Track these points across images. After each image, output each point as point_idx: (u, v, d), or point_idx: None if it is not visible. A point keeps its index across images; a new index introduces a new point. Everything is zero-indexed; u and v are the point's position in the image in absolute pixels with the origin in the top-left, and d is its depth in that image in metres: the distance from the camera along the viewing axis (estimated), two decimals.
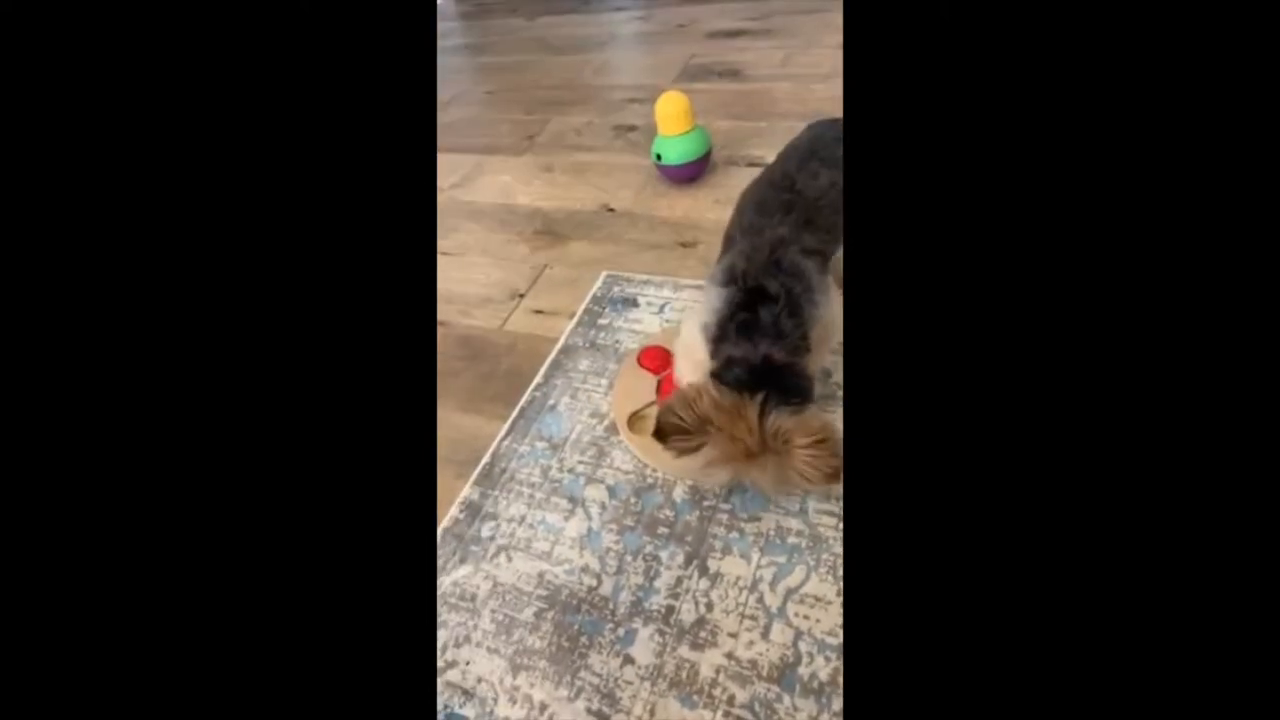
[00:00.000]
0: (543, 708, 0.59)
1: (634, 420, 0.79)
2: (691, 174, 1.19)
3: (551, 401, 0.86)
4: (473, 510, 0.76)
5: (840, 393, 0.78)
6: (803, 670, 0.58)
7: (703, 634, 0.61)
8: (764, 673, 0.58)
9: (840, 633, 0.59)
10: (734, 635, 0.61)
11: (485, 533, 0.73)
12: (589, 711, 0.59)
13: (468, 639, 0.65)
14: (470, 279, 1.11)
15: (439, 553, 0.72)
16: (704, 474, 0.64)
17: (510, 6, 2.26)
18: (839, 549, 0.65)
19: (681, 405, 0.59)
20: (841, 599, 0.61)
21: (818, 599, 0.62)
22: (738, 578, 0.65)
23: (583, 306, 0.98)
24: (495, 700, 0.61)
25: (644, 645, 0.62)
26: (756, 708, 0.56)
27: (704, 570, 0.66)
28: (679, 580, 0.66)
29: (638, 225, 1.14)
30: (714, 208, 1.13)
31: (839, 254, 0.73)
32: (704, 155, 1.17)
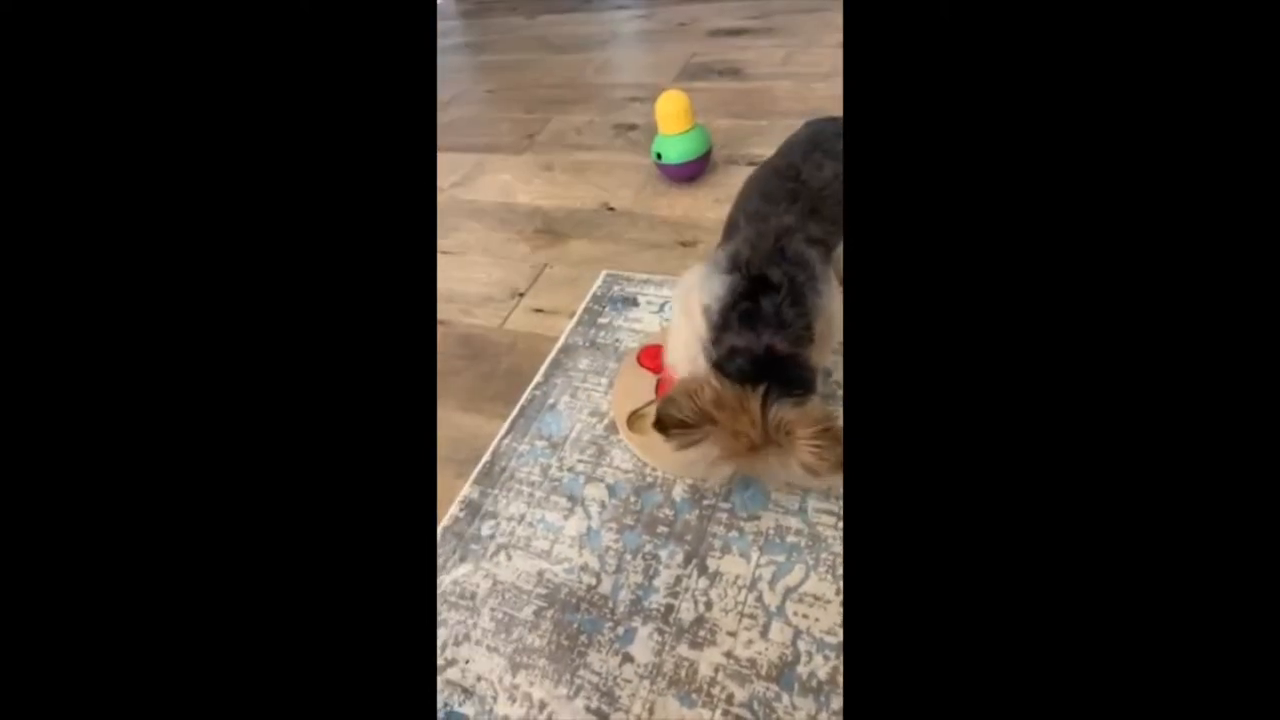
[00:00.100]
0: (542, 706, 0.60)
1: (634, 419, 0.79)
2: (692, 173, 1.19)
3: (551, 400, 0.86)
4: (472, 509, 0.76)
5: (840, 391, 0.78)
6: (801, 669, 0.58)
7: (702, 633, 0.61)
8: (763, 671, 0.58)
9: (839, 631, 0.59)
10: (733, 634, 0.61)
11: (485, 531, 0.73)
12: (588, 710, 0.59)
13: (467, 637, 0.65)
14: (470, 278, 1.11)
15: (439, 551, 0.72)
16: (706, 471, 0.64)
17: (511, 5, 2.26)
18: (838, 548, 0.65)
19: (683, 397, 0.59)
20: (840, 598, 0.61)
21: (817, 598, 0.62)
22: (737, 576, 0.65)
23: (583, 305, 0.98)
24: (495, 698, 0.61)
25: (643, 644, 0.62)
26: (755, 706, 0.56)
27: (703, 569, 0.66)
28: (678, 579, 0.66)
29: (638, 224, 1.14)
30: (714, 207, 1.13)
31: (839, 251, 0.73)
32: (704, 154, 1.17)
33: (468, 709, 0.60)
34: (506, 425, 0.84)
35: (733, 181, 1.15)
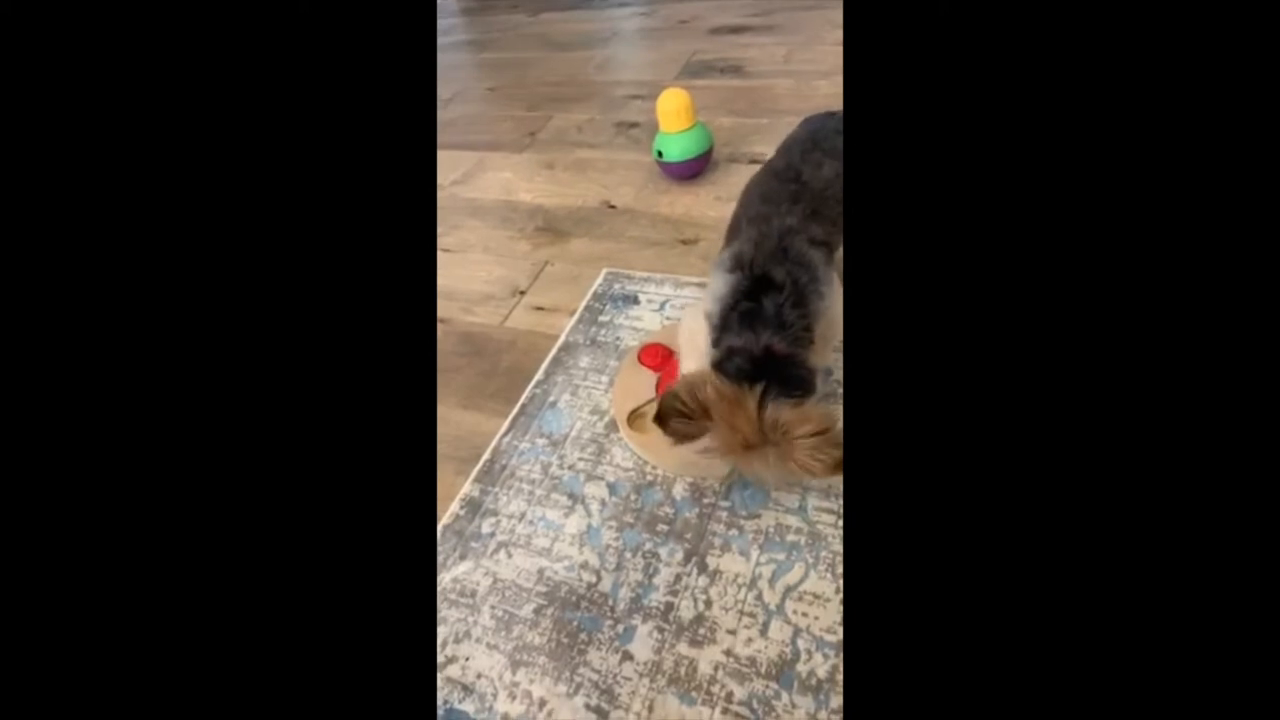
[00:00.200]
0: (542, 703, 0.60)
1: (634, 417, 0.79)
2: (693, 171, 1.19)
3: (552, 398, 0.86)
4: (473, 507, 0.76)
5: (840, 390, 0.78)
6: (801, 667, 0.58)
7: (701, 631, 0.62)
8: (762, 670, 0.58)
9: (838, 630, 0.59)
10: (732, 632, 0.61)
11: (485, 529, 0.74)
12: (588, 707, 0.59)
13: (467, 635, 0.65)
14: (471, 276, 1.11)
15: (439, 549, 0.73)
16: (703, 463, 0.64)
17: (512, 2, 2.25)
18: (838, 546, 0.65)
19: (685, 390, 0.59)
20: (840, 596, 0.61)
21: (816, 596, 0.62)
22: (737, 575, 0.65)
23: (583, 303, 0.98)
24: (495, 696, 0.61)
25: (643, 642, 0.62)
26: (754, 704, 0.56)
27: (703, 567, 0.66)
28: (678, 577, 0.66)
29: (639, 222, 1.14)
30: (715, 205, 1.13)
31: (841, 252, 0.73)
32: (705, 152, 1.17)
33: (468, 706, 0.61)
34: (507, 423, 0.84)
35: (734, 179, 1.15)
